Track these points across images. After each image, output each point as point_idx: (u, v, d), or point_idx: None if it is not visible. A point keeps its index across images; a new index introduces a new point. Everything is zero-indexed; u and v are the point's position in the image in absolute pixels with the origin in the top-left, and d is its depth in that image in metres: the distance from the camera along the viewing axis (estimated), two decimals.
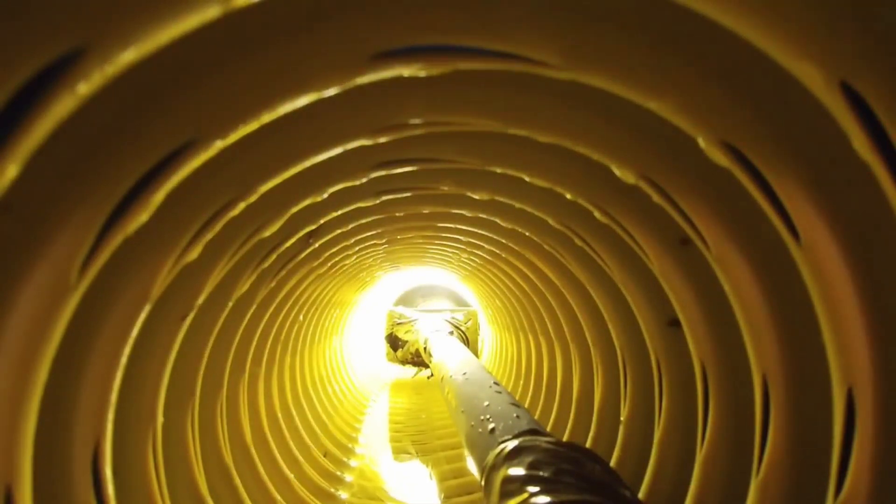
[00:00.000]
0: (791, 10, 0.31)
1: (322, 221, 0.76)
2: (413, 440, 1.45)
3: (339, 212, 0.75)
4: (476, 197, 0.75)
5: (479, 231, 0.99)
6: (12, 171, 0.31)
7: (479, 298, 2.02)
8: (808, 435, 0.46)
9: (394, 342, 2.26)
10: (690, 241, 0.55)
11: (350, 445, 1.35)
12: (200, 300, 0.63)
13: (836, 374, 0.40)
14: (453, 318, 2.16)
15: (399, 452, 1.36)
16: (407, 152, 0.61)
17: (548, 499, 0.45)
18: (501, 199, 0.74)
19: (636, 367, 0.80)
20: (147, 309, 0.51)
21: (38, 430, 0.40)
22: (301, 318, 1.21)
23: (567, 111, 0.50)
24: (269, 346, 1.01)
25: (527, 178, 0.64)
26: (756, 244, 0.48)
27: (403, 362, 2.26)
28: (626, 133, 0.50)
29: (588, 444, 0.93)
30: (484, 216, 0.86)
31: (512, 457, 0.53)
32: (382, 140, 0.53)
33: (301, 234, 0.77)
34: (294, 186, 0.59)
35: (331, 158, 0.54)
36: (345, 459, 1.25)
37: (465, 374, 0.94)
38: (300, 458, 1.06)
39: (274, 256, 0.76)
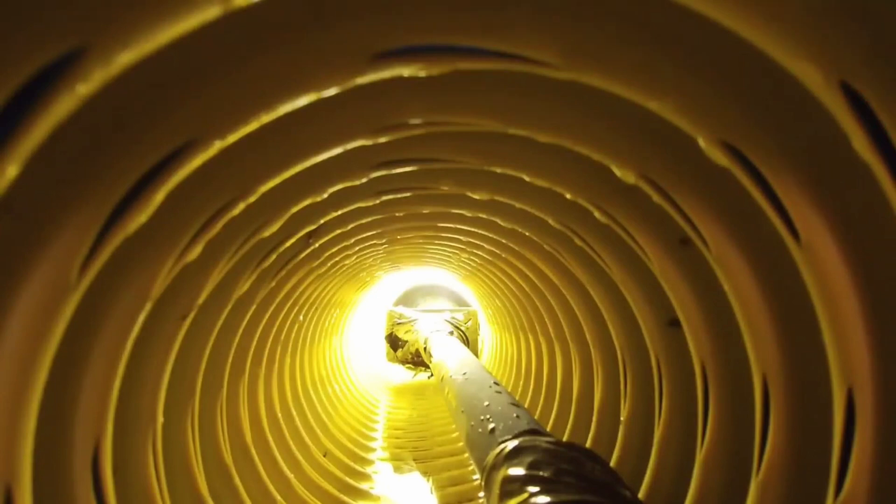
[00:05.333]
0: (791, 10, 0.31)
1: (322, 221, 0.76)
2: (414, 446, 1.44)
3: (339, 212, 0.75)
4: (476, 197, 0.75)
5: (479, 231, 0.99)
6: (12, 171, 0.31)
7: (478, 298, 2.02)
8: (808, 435, 0.46)
9: (394, 342, 2.26)
10: (690, 241, 0.55)
11: (366, 455, 1.34)
12: (200, 300, 0.63)
13: (836, 374, 0.40)
14: (453, 317, 2.16)
15: (399, 460, 1.35)
16: (407, 152, 0.61)
17: (548, 499, 0.45)
18: (501, 199, 0.74)
19: (636, 367, 0.80)
20: (147, 309, 0.51)
21: (38, 430, 0.40)
22: (301, 318, 1.21)
23: (567, 111, 0.50)
24: (269, 346, 1.01)
25: (527, 178, 0.64)
26: (756, 244, 0.48)
27: (403, 362, 2.26)
28: (626, 133, 0.50)
29: (588, 444, 0.93)
30: (484, 216, 0.86)
31: (512, 457, 0.53)
32: (382, 140, 0.53)
33: (301, 234, 0.77)
34: (294, 186, 0.59)
35: (331, 158, 0.54)
36: (361, 469, 1.24)
37: (465, 374, 0.94)
38: (300, 458, 1.06)
39: (274, 256, 0.76)
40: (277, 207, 0.64)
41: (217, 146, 0.43)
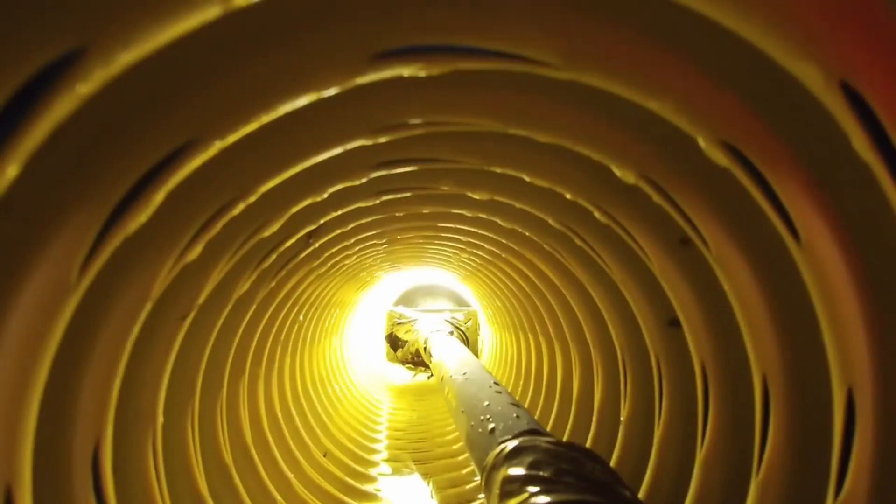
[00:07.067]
0: (791, 10, 0.31)
1: (322, 221, 0.76)
2: (414, 448, 1.44)
3: (339, 212, 0.75)
4: (476, 197, 0.75)
5: (479, 231, 0.99)
6: (12, 171, 0.31)
7: (478, 298, 2.02)
8: (808, 435, 0.46)
9: (394, 342, 2.26)
10: (690, 241, 0.55)
11: (367, 456, 1.34)
12: (200, 300, 0.63)
13: (836, 374, 0.40)
14: (453, 317, 2.16)
15: (400, 462, 1.35)
16: (407, 152, 0.61)
17: (548, 499, 0.45)
18: (501, 199, 0.74)
19: (636, 367, 0.80)
20: (147, 309, 0.51)
21: (38, 430, 0.40)
22: (301, 318, 1.21)
23: (567, 111, 0.50)
24: (269, 346, 1.01)
25: (527, 178, 0.64)
26: (756, 244, 0.48)
27: (403, 362, 2.26)
28: (626, 133, 0.50)
29: (588, 444, 0.93)
30: (484, 216, 0.86)
31: (512, 457, 0.53)
32: (382, 140, 0.53)
33: (301, 234, 0.77)
34: (294, 186, 0.59)
35: (331, 158, 0.54)
36: (362, 470, 1.24)
37: (465, 374, 0.94)
38: (300, 458, 1.06)
39: (274, 256, 0.76)
40: (277, 207, 0.64)
41: (217, 146, 0.43)
